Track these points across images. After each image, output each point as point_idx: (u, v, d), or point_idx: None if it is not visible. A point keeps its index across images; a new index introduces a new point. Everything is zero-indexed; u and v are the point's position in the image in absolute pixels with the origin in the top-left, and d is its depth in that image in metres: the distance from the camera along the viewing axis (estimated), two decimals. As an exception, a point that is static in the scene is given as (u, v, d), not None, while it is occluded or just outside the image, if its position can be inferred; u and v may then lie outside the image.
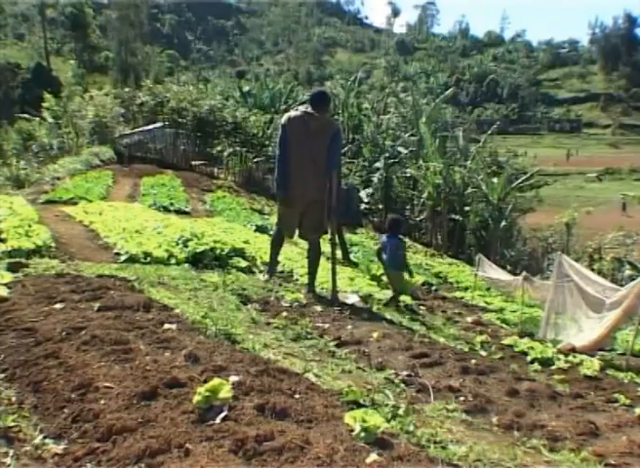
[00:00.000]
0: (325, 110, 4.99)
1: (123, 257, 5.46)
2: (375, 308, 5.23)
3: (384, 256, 6.35)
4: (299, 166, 4.85)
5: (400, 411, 2.27)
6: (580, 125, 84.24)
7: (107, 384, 2.00)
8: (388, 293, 6.35)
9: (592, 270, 13.03)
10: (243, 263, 6.05)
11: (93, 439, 1.68)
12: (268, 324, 3.73)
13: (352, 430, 1.81)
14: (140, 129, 23.62)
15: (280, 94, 30.05)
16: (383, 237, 6.68)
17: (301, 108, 4.99)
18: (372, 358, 3.31)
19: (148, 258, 5.50)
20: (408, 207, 25.04)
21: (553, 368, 4.59)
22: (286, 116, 5.02)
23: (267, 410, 1.90)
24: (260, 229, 11.63)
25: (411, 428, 2.09)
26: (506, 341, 5.49)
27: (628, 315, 5.70)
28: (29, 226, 6.08)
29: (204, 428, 1.73)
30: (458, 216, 22.57)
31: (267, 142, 22.36)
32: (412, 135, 26.76)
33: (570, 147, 66.53)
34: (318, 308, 4.53)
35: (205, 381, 1.99)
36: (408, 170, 24.62)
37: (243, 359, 2.47)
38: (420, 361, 3.35)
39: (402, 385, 2.88)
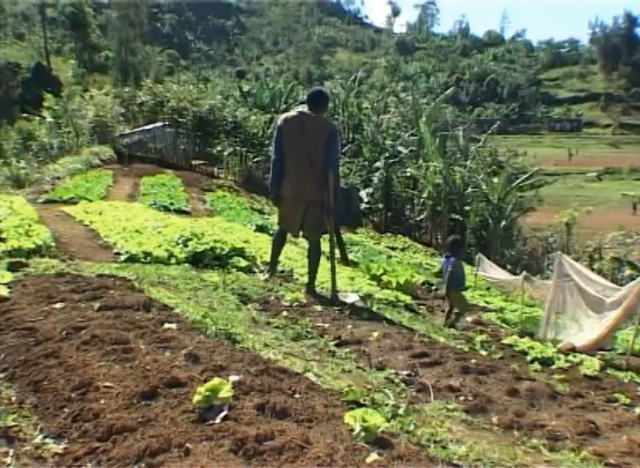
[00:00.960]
0: (322, 110, 4.98)
1: (123, 257, 5.46)
2: (375, 308, 5.23)
3: (443, 275, 6.54)
4: (296, 166, 4.85)
5: (400, 411, 2.27)
6: (580, 124, 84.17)
7: (107, 384, 2.00)
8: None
9: (592, 270, 13.03)
10: (243, 263, 6.04)
11: (93, 438, 1.68)
12: (268, 323, 3.73)
13: (352, 430, 1.81)
14: (141, 128, 23.63)
15: (280, 93, 30.05)
16: (443, 257, 6.90)
17: (298, 109, 4.99)
18: (372, 358, 3.31)
19: (148, 258, 5.50)
20: (408, 206, 25.06)
21: (553, 367, 4.59)
22: (282, 117, 5.03)
23: (267, 410, 1.90)
24: (261, 229, 11.64)
25: (411, 428, 2.09)
26: (506, 341, 5.49)
27: (628, 315, 5.71)
28: (29, 226, 6.08)
29: (204, 428, 1.73)
30: (458, 216, 22.57)
31: (267, 142, 22.37)
32: (412, 134, 26.77)
33: (570, 147, 66.50)
34: (318, 308, 4.53)
35: (205, 381, 1.99)
36: (408, 169, 24.62)
37: (243, 358, 2.48)
38: (419, 360, 3.35)
39: (402, 385, 2.88)
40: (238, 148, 22.68)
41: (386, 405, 2.32)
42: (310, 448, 1.62)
